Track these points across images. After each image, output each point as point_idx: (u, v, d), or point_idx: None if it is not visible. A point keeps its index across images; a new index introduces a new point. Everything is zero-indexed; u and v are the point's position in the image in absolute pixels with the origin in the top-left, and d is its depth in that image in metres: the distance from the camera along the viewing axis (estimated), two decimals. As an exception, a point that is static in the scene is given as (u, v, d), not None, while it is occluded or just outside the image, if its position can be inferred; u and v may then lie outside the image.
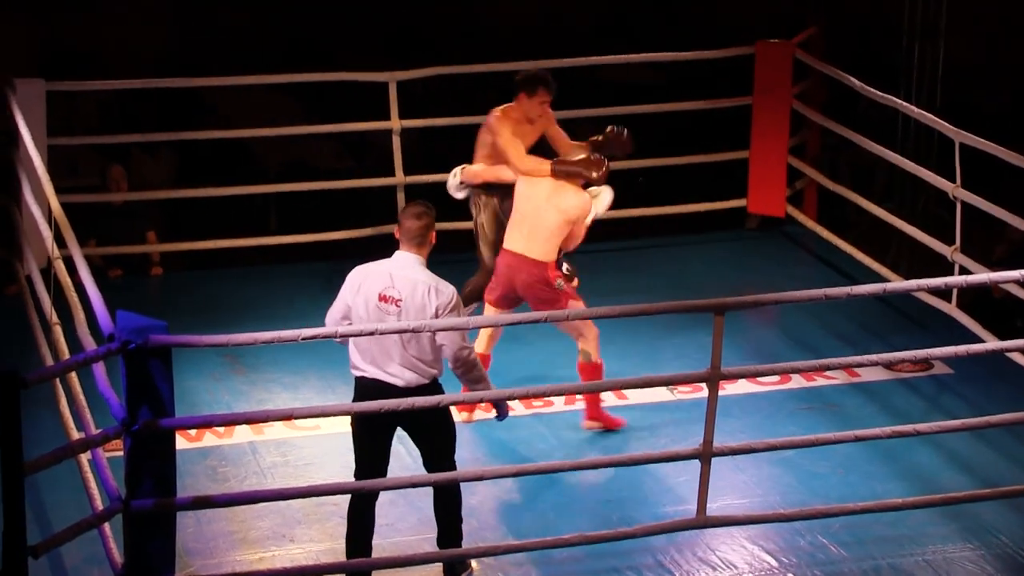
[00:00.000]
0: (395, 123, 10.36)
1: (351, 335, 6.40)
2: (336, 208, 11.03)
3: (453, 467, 6.81)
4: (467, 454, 8.01)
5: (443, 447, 6.79)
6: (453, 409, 7.21)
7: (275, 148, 12.00)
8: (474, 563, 6.92)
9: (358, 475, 6.76)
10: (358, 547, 6.74)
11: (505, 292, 8.11)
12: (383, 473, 6.75)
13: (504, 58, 10.88)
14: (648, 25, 14.04)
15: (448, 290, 6.64)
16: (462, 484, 6.84)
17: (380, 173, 10.60)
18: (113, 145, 11.05)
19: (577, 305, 8.04)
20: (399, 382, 6.61)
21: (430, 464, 6.79)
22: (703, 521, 6.84)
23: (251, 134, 10.87)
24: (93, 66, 12.45)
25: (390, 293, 6.61)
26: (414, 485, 6.79)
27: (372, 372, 6.64)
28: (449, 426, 6.80)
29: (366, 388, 6.64)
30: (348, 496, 6.97)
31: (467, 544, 7.02)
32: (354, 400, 6.71)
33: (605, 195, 8.28)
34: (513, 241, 8.09)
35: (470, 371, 6.70)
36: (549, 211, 8.04)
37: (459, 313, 6.65)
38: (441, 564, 6.84)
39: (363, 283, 6.66)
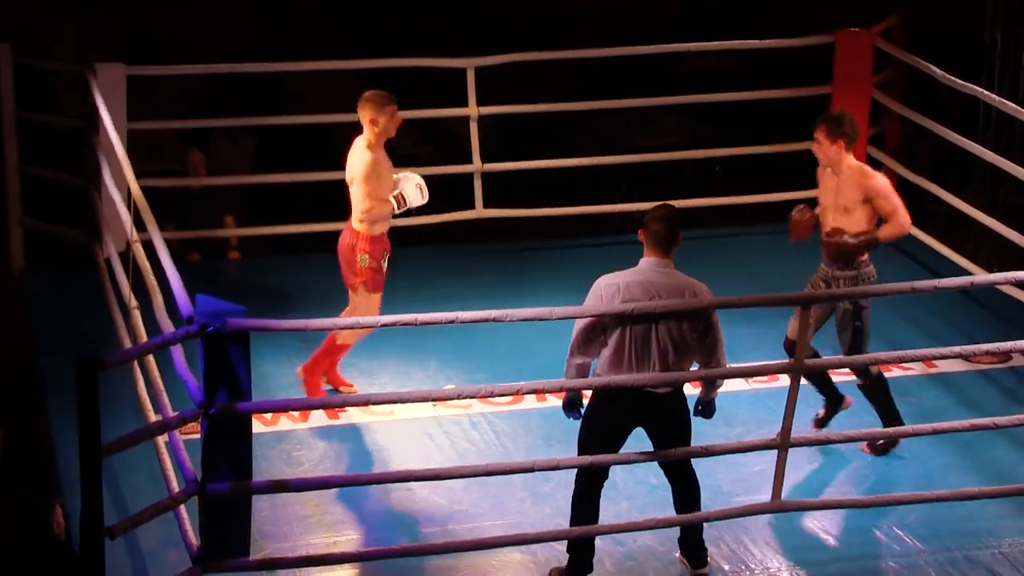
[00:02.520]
0: (472, 110, 10.36)
1: (430, 323, 6.38)
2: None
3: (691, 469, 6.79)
4: (539, 440, 8.02)
5: (685, 443, 6.74)
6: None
7: (354, 134, 12.01)
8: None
9: (581, 476, 6.73)
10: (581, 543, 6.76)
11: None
12: (606, 474, 6.76)
13: (581, 45, 10.88)
14: (728, 13, 13.97)
15: (703, 289, 6.58)
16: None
17: (457, 160, 10.61)
18: (194, 130, 11.13)
19: (368, 296, 8.02)
20: (657, 392, 6.55)
21: (667, 466, 6.78)
22: (777, 506, 6.83)
23: (330, 120, 10.89)
24: (176, 52, 12.54)
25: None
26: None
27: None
28: (688, 426, 6.74)
29: (616, 394, 6.56)
30: (422, 482, 7.01)
31: (548, 528, 7.01)
32: (596, 407, 6.63)
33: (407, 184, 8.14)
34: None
35: (713, 387, 6.71)
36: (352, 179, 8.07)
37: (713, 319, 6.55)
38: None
39: (619, 294, 6.54)
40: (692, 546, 6.90)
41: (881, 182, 7.72)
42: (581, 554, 6.80)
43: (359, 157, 8.05)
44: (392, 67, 10.59)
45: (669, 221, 6.61)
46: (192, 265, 10.24)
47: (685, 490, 6.84)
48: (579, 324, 6.60)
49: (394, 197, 8.07)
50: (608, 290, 6.57)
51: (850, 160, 7.75)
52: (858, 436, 7.20)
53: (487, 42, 12.16)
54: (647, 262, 6.62)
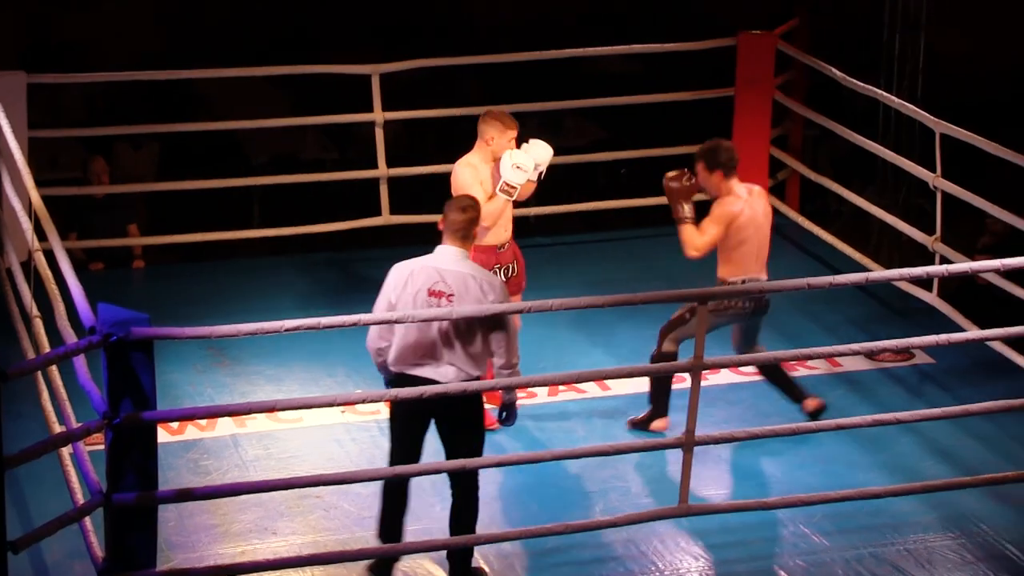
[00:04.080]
0: (378, 115, 10.35)
1: (333, 326, 6.37)
2: (320, 200, 11.03)
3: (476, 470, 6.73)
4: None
5: (473, 445, 6.70)
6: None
7: (260, 140, 11.99)
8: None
9: (392, 462, 6.74)
10: (390, 528, 6.76)
11: None
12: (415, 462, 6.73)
13: (486, 50, 10.90)
14: (632, 16, 14.05)
15: (498, 283, 6.61)
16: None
17: (364, 165, 10.60)
18: (96, 138, 11.04)
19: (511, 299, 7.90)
20: (443, 379, 6.55)
21: (452, 473, 6.72)
22: (685, 510, 6.86)
23: (234, 126, 10.86)
24: (77, 59, 12.43)
25: (439, 288, 6.54)
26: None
27: (415, 370, 6.58)
28: (481, 428, 6.72)
29: (405, 384, 6.58)
30: (330, 488, 6.99)
31: (449, 535, 7.02)
32: (396, 399, 6.60)
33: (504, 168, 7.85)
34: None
35: (514, 366, 6.65)
36: None
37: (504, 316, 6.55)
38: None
39: (409, 279, 6.58)
40: (462, 564, 6.81)
41: (718, 209, 7.83)
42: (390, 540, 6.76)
43: (455, 170, 7.88)
44: (299, 73, 10.57)
45: (466, 211, 6.65)
46: (96, 274, 10.15)
47: (465, 499, 6.75)
48: (376, 310, 6.62)
49: (500, 190, 7.82)
50: (398, 275, 6.61)
51: (730, 186, 7.85)
52: (762, 434, 7.25)
53: (396, 45, 12.16)
54: (442, 250, 6.65)
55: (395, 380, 6.66)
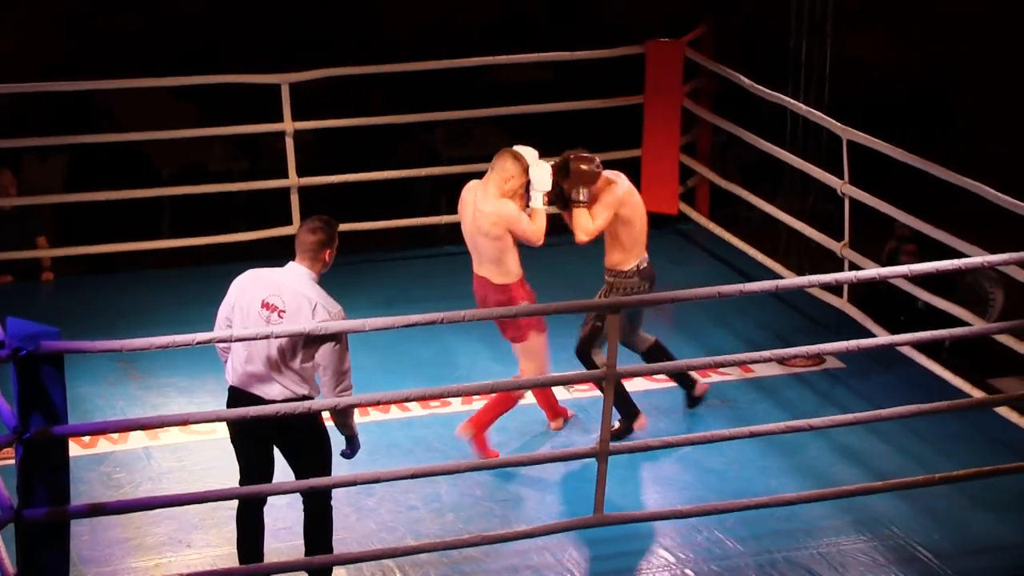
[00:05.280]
0: (288, 125, 10.31)
1: (246, 339, 6.35)
2: (230, 211, 10.97)
3: (327, 489, 6.61)
4: (363, 455, 7.98)
5: (316, 466, 6.57)
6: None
7: (168, 151, 11.91)
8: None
9: (242, 482, 6.67)
10: (249, 552, 6.69)
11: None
12: (268, 480, 6.63)
13: (397, 59, 10.89)
14: (541, 24, 14.09)
15: (335, 310, 6.43)
16: (351, 488, 6.73)
17: (274, 176, 10.55)
18: (2, 150, 10.91)
19: (536, 337, 7.81)
20: (267, 396, 6.43)
21: (302, 475, 6.58)
22: (600, 519, 6.88)
23: (142, 137, 10.76)
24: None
25: (274, 302, 6.43)
26: (297, 490, 6.68)
27: (243, 383, 6.49)
28: (323, 444, 6.57)
29: (237, 399, 6.50)
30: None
31: (367, 546, 7.02)
32: (237, 418, 6.48)
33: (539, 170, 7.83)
34: (476, 265, 7.88)
35: (343, 393, 6.48)
36: (481, 239, 7.76)
37: (342, 337, 6.41)
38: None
39: (248, 288, 6.51)
40: None
41: (605, 197, 7.87)
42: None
43: (499, 209, 7.65)
44: (208, 83, 10.51)
45: (316, 232, 6.49)
46: (4, 287, 10.05)
47: (316, 518, 6.65)
48: (218, 315, 6.56)
49: (546, 203, 7.77)
50: (243, 281, 6.54)
51: (606, 178, 7.91)
52: (676, 442, 7.29)
53: (305, 54, 12.13)
54: (292, 267, 6.52)
55: (231, 394, 6.54)
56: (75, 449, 7.60)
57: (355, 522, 7.35)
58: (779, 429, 7.17)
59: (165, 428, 8.06)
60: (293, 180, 10.34)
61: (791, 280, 8.58)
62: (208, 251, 10.49)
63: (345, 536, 7.16)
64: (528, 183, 7.75)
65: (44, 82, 10.60)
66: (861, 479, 7.74)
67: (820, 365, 9.08)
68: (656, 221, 11.09)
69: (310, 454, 6.58)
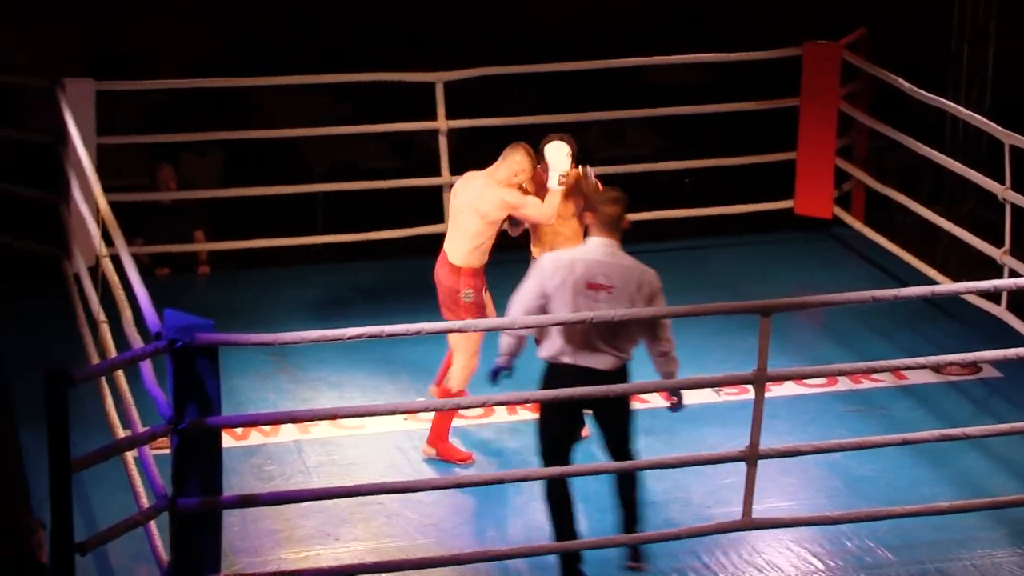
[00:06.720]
0: (442, 123, 10.36)
1: (397, 334, 6.37)
2: (382, 208, 11.04)
3: (636, 453, 6.90)
4: (510, 453, 8.01)
5: (629, 432, 6.90)
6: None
7: (322, 148, 12.03)
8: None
9: (546, 462, 6.83)
10: (566, 528, 6.85)
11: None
12: (569, 459, 6.85)
13: (549, 59, 10.89)
14: (694, 25, 14.01)
15: (654, 272, 6.76)
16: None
17: (426, 173, 10.61)
18: (161, 145, 11.11)
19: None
20: (602, 366, 6.70)
21: (615, 450, 6.87)
22: (749, 523, 6.82)
23: (298, 134, 10.89)
24: (142, 67, 12.51)
25: (600, 280, 6.68)
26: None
27: (572, 358, 6.71)
28: (632, 411, 6.92)
29: (564, 374, 6.72)
30: (393, 495, 6.99)
31: (512, 545, 7.02)
32: (547, 386, 6.76)
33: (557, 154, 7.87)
34: (448, 241, 7.95)
35: (670, 363, 6.85)
36: (469, 214, 7.84)
37: (663, 297, 6.76)
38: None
39: (565, 272, 6.70)
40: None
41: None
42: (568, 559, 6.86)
43: (490, 194, 7.78)
44: (362, 81, 10.59)
45: (619, 204, 6.79)
46: (162, 280, 10.20)
47: (626, 483, 6.90)
48: (520, 299, 6.74)
49: (560, 183, 7.83)
50: (553, 265, 6.72)
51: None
52: (827, 447, 7.20)
53: (451, 55, 12.17)
54: (595, 242, 6.78)
55: (553, 370, 6.77)
56: (227, 440, 7.71)
57: (502, 520, 7.35)
58: (933, 437, 7.06)
59: (315, 422, 8.13)
60: (446, 178, 10.38)
61: (948, 286, 8.46)
62: (361, 247, 10.56)
63: (493, 535, 7.18)
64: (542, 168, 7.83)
65: (201, 79, 10.75)
66: (1017, 490, 7.58)
67: (976, 374, 8.92)
68: (810, 225, 11.06)
69: (627, 416, 6.88)
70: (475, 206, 7.77)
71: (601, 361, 6.73)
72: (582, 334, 6.68)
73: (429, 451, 7.91)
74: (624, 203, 6.82)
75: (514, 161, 7.84)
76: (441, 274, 7.88)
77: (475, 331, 7.24)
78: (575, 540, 6.84)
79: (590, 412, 6.93)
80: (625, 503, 6.93)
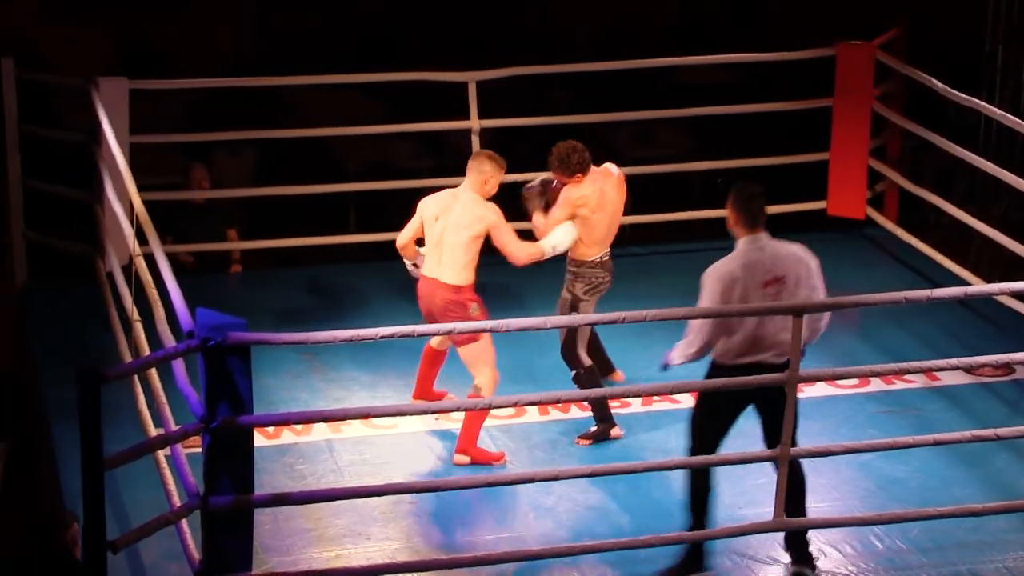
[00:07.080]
0: (474, 123, 10.37)
1: (430, 334, 6.38)
2: (415, 208, 11.04)
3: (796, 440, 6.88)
4: (541, 453, 8.01)
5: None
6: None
7: (355, 147, 12.05)
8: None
9: (705, 449, 6.88)
10: (701, 515, 6.93)
11: (425, 319, 7.96)
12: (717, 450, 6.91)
13: (582, 59, 10.88)
14: (726, 25, 13.98)
15: (807, 250, 6.88)
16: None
17: (458, 173, 10.58)
18: (194, 144, 11.14)
19: (487, 339, 7.83)
20: (783, 359, 6.72)
21: (774, 439, 6.81)
22: (780, 524, 6.81)
23: (331, 133, 10.90)
24: (176, 66, 12.55)
25: (770, 276, 6.76)
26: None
27: (757, 357, 6.75)
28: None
29: (737, 373, 6.73)
30: (424, 494, 7.01)
31: (543, 544, 7.02)
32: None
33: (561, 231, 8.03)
34: (433, 266, 7.94)
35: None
36: (456, 232, 7.88)
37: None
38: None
39: (737, 280, 6.73)
40: (796, 543, 6.99)
41: (566, 194, 8.01)
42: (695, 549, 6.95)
43: (475, 211, 7.87)
44: (394, 80, 10.60)
45: (758, 198, 6.93)
46: (188, 267, 10.21)
47: (792, 477, 6.86)
48: (701, 324, 6.75)
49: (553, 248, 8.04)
50: (723, 282, 6.75)
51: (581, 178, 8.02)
52: (858, 448, 7.18)
53: (483, 54, 12.17)
54: (753, 240, 6.85)
55: (723, 370, 6.79)
56: (259, 439, 7.71)
57: (533, 520, 7.36)
58: (965, 438, 7.03)
59: (347, 422, 8.14)
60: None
61: (981, 287, 8.43)
62: (393, 247, 10.55)
63: (524, 534, 7.19)
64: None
65: (232, 77, 10.78)
66: (1051, 493, 7.56)
67: (1009, 375, 8.89)
68: (843, 225, 11.03)
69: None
70: (461, 223, 7.84)
71: (771, 354, 6.76)
72: (759, 332, 6.73)
73: (462, 460, 7.88)
74: (763, 194, 6.91)
75: (481, 171, 7.94)
76: (437, 300, 7.85)
77: (507, 330, 7.15)
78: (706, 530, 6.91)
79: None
80: (792, 488, 6.86)
